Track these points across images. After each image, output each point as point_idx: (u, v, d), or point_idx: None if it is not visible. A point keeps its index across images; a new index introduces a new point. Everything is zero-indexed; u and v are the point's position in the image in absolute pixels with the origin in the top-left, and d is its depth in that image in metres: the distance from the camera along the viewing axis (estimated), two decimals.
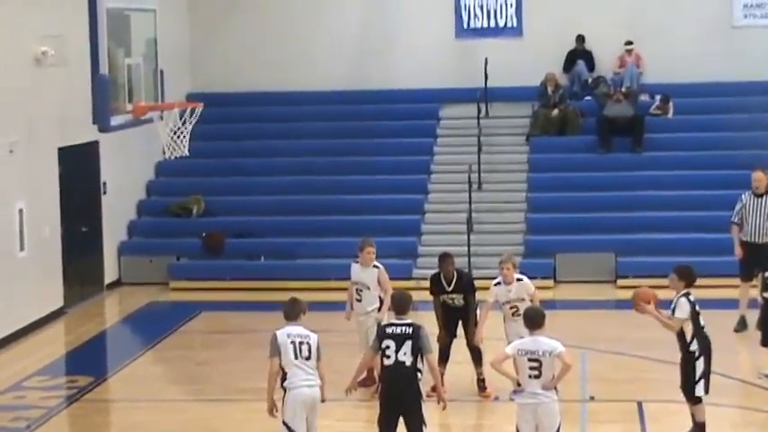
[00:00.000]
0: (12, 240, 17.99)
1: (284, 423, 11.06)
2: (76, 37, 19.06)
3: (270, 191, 23.06)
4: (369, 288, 14.66)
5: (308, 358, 11.14)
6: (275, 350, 11.10)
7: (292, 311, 11.33)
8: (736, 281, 17.55)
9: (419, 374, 11.22)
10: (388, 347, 11.15)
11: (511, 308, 14.21)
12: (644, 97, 24.16)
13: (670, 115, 23.86)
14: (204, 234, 22.08)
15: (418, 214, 22.47)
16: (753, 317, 16.11)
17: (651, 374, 15.46)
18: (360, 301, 14.74)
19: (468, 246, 21.15)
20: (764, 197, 17.09)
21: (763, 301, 14.91)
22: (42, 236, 18.76)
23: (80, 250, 20.17)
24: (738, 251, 17.33)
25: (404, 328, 11.23)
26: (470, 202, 21.94)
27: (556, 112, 23.67)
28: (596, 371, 15.63)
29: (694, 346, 12.33)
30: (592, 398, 14.49)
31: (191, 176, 23.29)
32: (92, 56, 19.19)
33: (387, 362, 11.17)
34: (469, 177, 22.18)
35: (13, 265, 17.93)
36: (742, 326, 17.23)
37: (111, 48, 17.74)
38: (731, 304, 17.51)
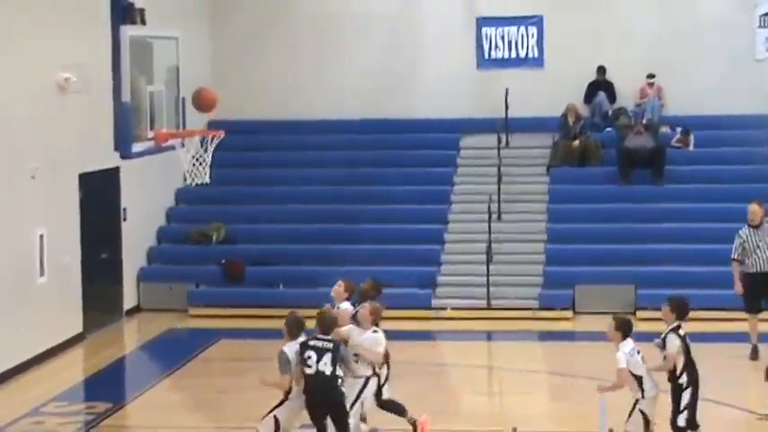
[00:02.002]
0: (32, 266, 18.03)
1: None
2: (99, 64, 19.13)
3: (290, 219, 23.09)
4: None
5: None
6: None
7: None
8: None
9: (340, 380, 12.21)
10: (309, 358, 12.10)
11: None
12: (665, 129, 24.14)
13: (691, 148, 23.84)
14: (224, 261, 22.12)
15: (438, 244, 22.46)
16: (763, 348, 16.08)
17: (670, 407, 15.34)
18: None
19: (488, 276, 21.13)
20: (761, 227, 17.67)
21: None
22: (62, 262, 18.81)
23: (100, 276, 20.21)
24: (739, 287, 17.70)
25: (325, 343, 12.19)
26: (490, 233, 21.92)
27: (576, 143, 23.67)
28: (615, 404, 15.53)
29: (683, 379, 12.39)
30: (611, 431, 14.41)
31: (211, 204, 23.35)
32: (114, 83, 19.27)
33: (308, 371, 12.07)
34: (489, 207, 22.17)
35: (33, 290, 17.97)
36: (755, 354, 17.46)
37: (133, 75, 17.81)
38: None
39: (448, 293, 21.48)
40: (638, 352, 12.28)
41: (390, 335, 19.83)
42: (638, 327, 19.65)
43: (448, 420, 14.54)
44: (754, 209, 17.88)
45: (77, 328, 19.35)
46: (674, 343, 12.27)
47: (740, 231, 17.80)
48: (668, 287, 20.56)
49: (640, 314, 20.50)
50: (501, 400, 16.82)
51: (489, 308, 21.08)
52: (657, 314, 20.29)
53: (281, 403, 12.35)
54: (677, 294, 12.88)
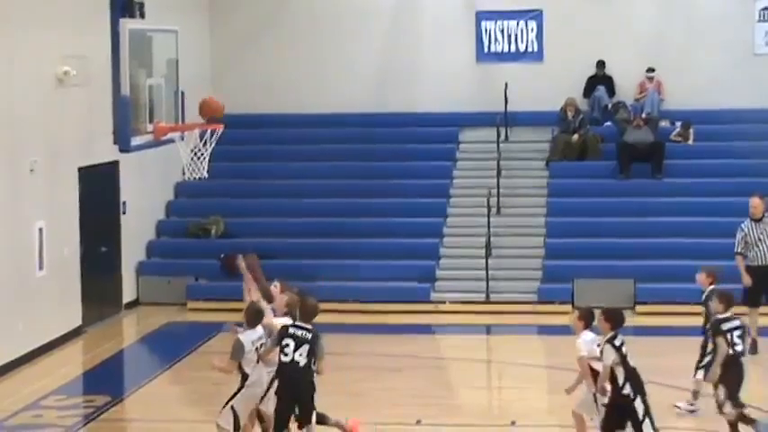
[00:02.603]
0: (31, 259, 18.03)
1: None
2: (98, 57, 19.13)
3: (289, 213, 23.09)
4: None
5: None
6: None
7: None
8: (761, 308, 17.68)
9: (313, 372, 12.04)
10: (287, 345, 12.04)
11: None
12: (664, 123, 24.14)
13: (691, 142, 23.84)
14: (223, 255, 22.11)
15: (437, 238, 22.46)
16: (763, 342, 16.07)
17: (670, 402, 15.36)
18: None
19: (487, 270, 21.13)
20: (762, 221, 17.76)
21: None
22: (61, 255, 18.81)
23: (99, 270, 20.21)
24: (747, 279, 17.70)
25: (305, 332, 12.06)
26: (489, 227, 21.93)
27: (576, 137, 23.66)
28: None
29: (627, 389, 12.07)
30: None
31: (210, 197, 23.34)
32: (113, 76, 19.25)
33: (284, 359, 12.01)
34: (488, 201, 22.18)
35: (33, 284, 17.97)
36: (754, 350, 17.34)
37: (132, 68, 17.78)
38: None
39: (447, 287, 21.49)
40: (598, 345, 12.16)
41: (389, 329, 19.97)
42: (638, 321, 19.89)
43: (447, 414, 14.54)
44: (756, 202, 17.95)
45: (76, 321, 19.35)
46: (608, 355, 11.96)
47: (742, 225, 17.89)
48: (667, 281, 20.69)
49: (640, 308, 20.56)
50: (500, 394, 16.83)
51: (488, 302, 21.10)
52: (657, 308, 20.47)
53: (237, 392, 12.44)
54: (610, 306, 12.64)
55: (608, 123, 24.30)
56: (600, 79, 24.56)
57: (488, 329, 20.15)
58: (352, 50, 25.14)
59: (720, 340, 13.14)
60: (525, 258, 21.87)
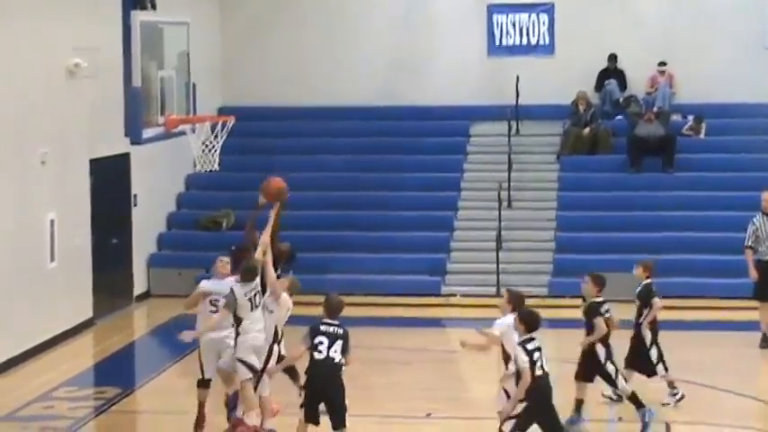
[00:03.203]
0: (42, 251, 18.05)
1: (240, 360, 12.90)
2: (110, 49, 19.16)
3: (300, 206, 22.95)
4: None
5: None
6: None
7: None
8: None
9: (343, 368, 12.15)
10: (321, 343, 12.15)
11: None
12: (676, 117, 24.09)
13: (702, 135, 23.79)
14: (234, 248, 22.05)
15: (447, 231, 22.44)
16: None
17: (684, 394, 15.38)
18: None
19: (497, 263, 21.12)
20: None
21: None
22: (73, 247, 18.83)
23: (110, 262, 20.23)
24: (754, 274, 17.73)
25: (336, 328, 12.24)
26: (500, 220, 21.91)
27: (587, 130, 23.62)
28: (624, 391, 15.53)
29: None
30: (620, 419, 14.42)
31: (221, 190, 23.34)
32: (125, 68, 19.29)
33: (318, 356, 12.12)
34: (499, 195, 22.15)
35: (44, 275, 18.00)
36: (765, 342, 17.48)
37: (143, 60, 17.83)
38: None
39: (457, 281, 21.48)
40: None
41: (400, 321, 19.96)
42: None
43: (456, 408, 14.53)
44: None
45: (87, 313, 19.38)
46: (521, 357, 11.77)
47: (754, 219, 17.85)
48: (679, 275, 20.65)
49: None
50: None
51: (499, 295, 21.02)
52: (667, 302, 20.41)
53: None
54: (526, 308, 12.43)
55: (619, 117, 24.25)
56: (611, 73, 24.51)
57: None
58: (363, 43, 25.11)
59: (600, 321, 13.77)
60: (536, 252, 21.85)
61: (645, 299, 14.72)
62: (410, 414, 13.56)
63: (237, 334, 13.03)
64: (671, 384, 14.75)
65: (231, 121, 18.80)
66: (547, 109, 24.07)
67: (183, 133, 18.82)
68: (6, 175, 16.94)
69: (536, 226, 22.43)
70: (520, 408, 11.81)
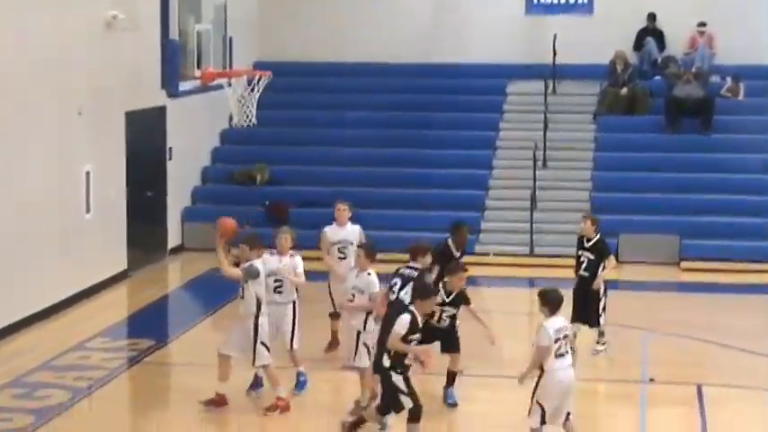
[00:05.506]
0: (78, 202, 18.13)
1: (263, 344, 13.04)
2: (147, 2, 19.15)
3: (335, 161, 23.08)
4: (352, 244, 14.97)
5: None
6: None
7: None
8: None
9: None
10: (395, 284, 12.54)
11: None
12: (714, 78, 23.90)
13: (741, 97, 23.60)
14: (267, 203, 22.15)
15: (482, 190, 22.40)
16: None
17: (712, 359, 15.34)
18: (345, 258, 15.02)
19: (531, 223, 21.08)
20: None
21: None
22: (108, 199, 18.91)
23: (144, 215, 20.30)
24: None
25: (412, 271, 12.58)
26: (535, 179, 21.84)
27: (624, 90, 23.48)
28: (657, 353, 15.54)
29: (387, 362, 11.48)
30: (651, 380, 14.40)
31: (256, 144, 23.36)
32: (162, 21, 19.32)
33: (392, 296, 12.41)
34: (534, 154, 22.08)
35: (80, 226, 18.08)
36: None
37: (181, 14, 17.86)
38: None
39: (491, 239, 21.45)
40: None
41: None
42: (683, 277, 19.77)
43: (489, 366, 14.54)
44: None
45: (122, 265, 19.48)
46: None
47: None
48: (713, 238, 20.57)
49: (684, 264, 20.44)
50: None
51: (532, 255, 21.05)
52: (702, 265, 20.34)
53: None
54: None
55: (657, 77, 24.08)
56: (650, 32, 24.32)
57: (532, 283, 20.09)
58: (401, 0, 25.02)
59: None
60: (570, 212, 21.72)
61: (602, 252, 15.00)
62: (442, 372, 13.56)
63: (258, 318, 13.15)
64: (602, 334, 15.08)
65: (268, 75, 18.79)
66: (584, 68, 23.92)
67: (219, 87, 18.84)
68: (44, 125, 17.00)
69: (571, 186, 22.35)
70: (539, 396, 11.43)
